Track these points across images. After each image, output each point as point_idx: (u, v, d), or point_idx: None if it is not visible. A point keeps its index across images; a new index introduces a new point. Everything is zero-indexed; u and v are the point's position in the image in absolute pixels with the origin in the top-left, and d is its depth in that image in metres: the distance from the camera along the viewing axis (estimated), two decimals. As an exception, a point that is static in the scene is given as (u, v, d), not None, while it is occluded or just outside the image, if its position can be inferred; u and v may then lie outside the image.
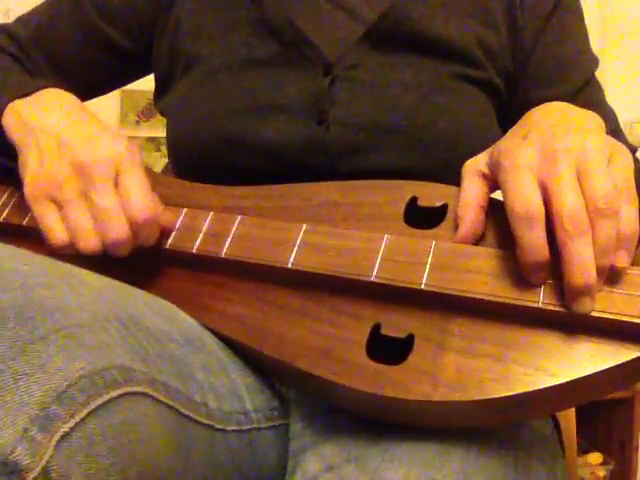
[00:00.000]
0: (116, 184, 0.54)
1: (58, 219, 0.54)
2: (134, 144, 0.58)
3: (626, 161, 0.48)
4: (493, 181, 0.52)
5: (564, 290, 0.46)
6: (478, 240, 0.52)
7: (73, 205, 0.54)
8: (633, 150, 0.74)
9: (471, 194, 0.52)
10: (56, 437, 0.37)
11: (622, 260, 0.46)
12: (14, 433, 0.35)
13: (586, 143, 0.47)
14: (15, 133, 0.59)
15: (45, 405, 0.37)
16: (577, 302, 0.46)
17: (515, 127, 0.54)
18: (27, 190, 0.55)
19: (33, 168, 0.56)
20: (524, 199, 0.46)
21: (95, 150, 0.55)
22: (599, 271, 0.45)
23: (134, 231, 0.54)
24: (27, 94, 0.62)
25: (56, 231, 0.54)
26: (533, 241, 0.45)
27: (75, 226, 0.53)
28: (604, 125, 0.55)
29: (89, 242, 0.53)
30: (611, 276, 0.46)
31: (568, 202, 0.44)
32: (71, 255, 0.54)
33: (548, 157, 0.47)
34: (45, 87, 0.63)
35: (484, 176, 0.52)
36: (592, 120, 0.53)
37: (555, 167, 0.46)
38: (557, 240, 0.45)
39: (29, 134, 0.58)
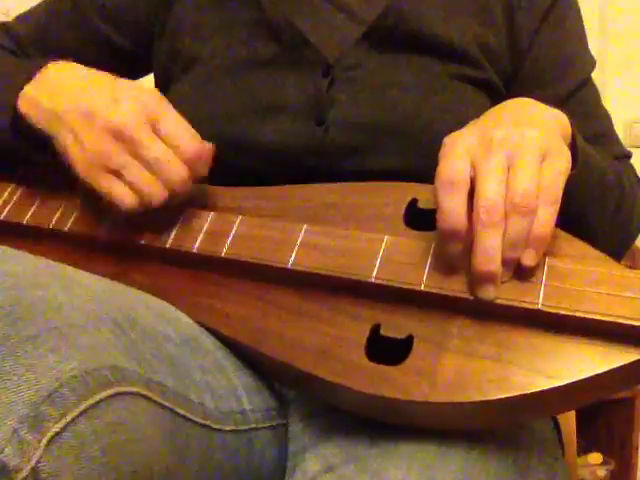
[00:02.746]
0: (156, 131, 0.55)
1: (121, 185, 0.55)
2: (154, 89, 0.59)
3: (560, 163, 0.48)
4: None
5: (471, 273, 0.48)
6: None
7: (128, 167, 0.55)
8: (628, 155, 0.74)
9: None
10: (46, 437, 0.37)
11: (528, 258, 0.47)
12: (3, 434, 0.35)
13: (524, 137, 0.48)
14: (39, 122, 0.59)
15: (35, 405, 0.37)
16: (479, 288, 0.48)
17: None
18: (80, 172, 0.56)
19: (75, 149, 0.56)
20: (450, 167, 0.48)
21: (122, 109, 0.55)
22: (506, 263, 0.47)
23: (191, 166, 0.56)
24: (30, 78, 0.61)
25: (126, 196, 0.55)
26: (451, 206, 0.47)
27: (139, 185, 0.55)
28: (568, 126, 0.55)
29: (159, 193, 0.55)
30: (610, 279, 0.46)
31: (487, 192, 0.46)
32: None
33: (484, 144, 0.48)
34: (43, 65, 0.62)
35: None
36: (551, 118, 0.53)
37: (487, 155, 0.47)
38: (473, 227, 0.46)
39: (53, 119, 0.58)
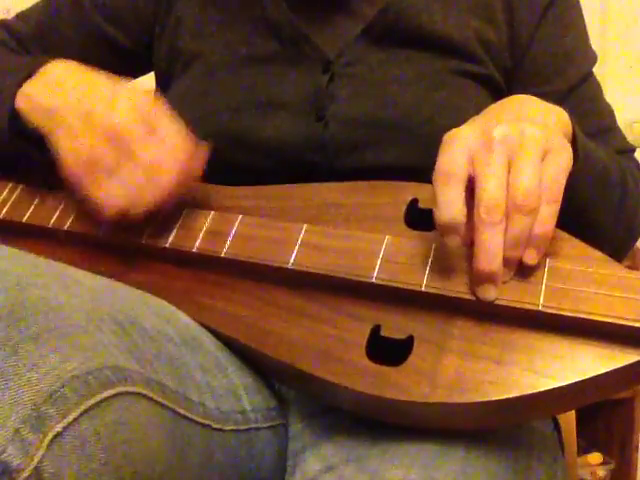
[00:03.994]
0: (150, 132, 0.55)
1: (109, 188, 0.54)
2: (151, 91, 0.59)
3: (561, 160, 0.48)
4: None
5: (472, 274, 0.47)
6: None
7: (120, 168, 0.54)
8: (632, 150, 0.74)
9: None
10: (48, 437, 0.37)
11: (529, 257, 0.47)
12: (5, 433, 0.35)
13: (524, 134, 0.47)
14: (36, 119, 0.59)
15: (37, 405, 0.37)
16: (480, 288, 0.47)
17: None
18: (70, 171, 0.55)
19: (67, 148, 0.56)
20: (449, 160, 0.47)
21: (117, 111, 0.55)
22: (507, 262, 0.46)
23: (185, 168, 0.55)
24: (30, 75, 0.61)
25: (111, 200, 0.54)
26: (448, 198, 0.46)
27: (129, 188, 0.54)
28: (568, 123, 0.55)
29: (149, 195, 0.54)
30: (611, 280, 0.46)
31: (488, 191, 0.45)
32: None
33: (484, 142, 0.47)
34: (44, 63, 0.62)
35: None
36: (552, 115, 0.53)
37: (488, 153, 0.47)
38: (473, 226, 0.46)
39: (50, 116, 0.58)
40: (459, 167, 0.47)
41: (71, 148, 0.56)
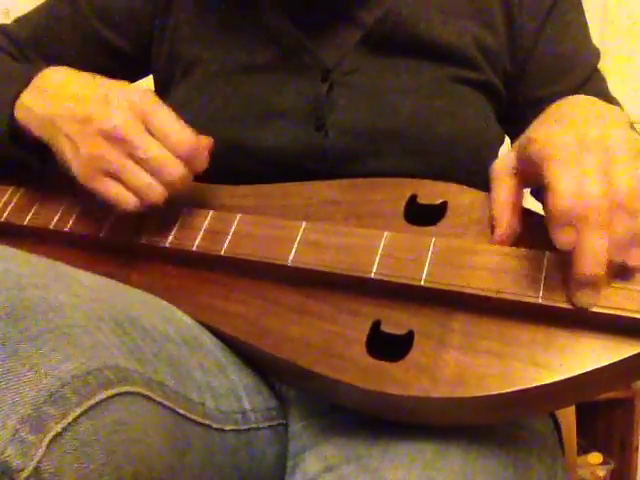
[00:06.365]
0: (149, 130, 0.55)
1: (120, 187, 0.55)
2: (143, 86, 0.59)
3: None
4: (525, 174, 0.51)
5: (570, 280, 0.45)
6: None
7: (125, 169, 0.55)
8: None
9: (505, 194, 0.52)
10: (48, 437, 0.37)
11: (635, 258, 0.45)
12: (5, 433, 0.35)
13: (617, 135, 0.46)
14: (36, 129, 0.60)
15: (37, 405, 0.37)
16: (580, 294, 0.45)
17: (543, 117, 0.53)
18: (79, 176, 0.57)
19: (72, 155, 0.57)
20: (556, 146, 0.45)
21: (114, 112, 0.55)
22: (609, 266, 0.44)
23: (187, 162, 0.56)
24: (27, 84, 0.61)
25: (124, 197, 0.55)
26: (567, 183, 0.44)
27: (137, 186, 0.55)
28: (629, 120, 0.54)
29: (158, 192, 0.55)
30: (612, 271, 0.46)
31: (591, 192, 0.44)
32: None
33: (580, 143, 0.46)
34: (38, 71, 0.62)
35: (515, 173, 0.52)
36: (620, 114, 0.52)
37: (587, 155, 0.45)
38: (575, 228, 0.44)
39: (49, 125, 0.58)
40: (570, 154, 0.45)
41: (74, 154, 0.56)
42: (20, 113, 0.61)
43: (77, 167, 0.56)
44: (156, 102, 0.57)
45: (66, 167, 0.58)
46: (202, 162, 0.58)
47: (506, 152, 0.54)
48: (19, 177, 0.68)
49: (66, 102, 0.58)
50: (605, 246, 0.44)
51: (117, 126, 0.55)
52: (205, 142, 0.58)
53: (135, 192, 0.55)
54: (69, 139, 0.57)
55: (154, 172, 0.55)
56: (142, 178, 0.55)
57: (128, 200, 0.55)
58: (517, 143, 0.52)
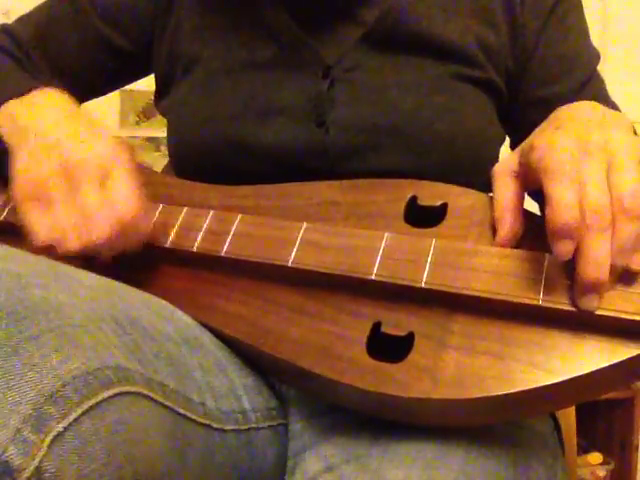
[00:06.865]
0: (103, 184, 0.54)
1: (42, 219, 0.53)
2: (127, 145, 0.57)
3: None
4: (526, 179, 0.51)
5: (574, 283, 0.46)
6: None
7: (57, 205, 0.53)
8: None
9: (507, 196, 0.52)
10: (49, 437, 0.37)
11: (637, 262, 0.45)
12: (6, 433, 0.35)
13: (619, 140, 0.46)
14: (7, 134, 0.59)
15: (38, 405, 0.37)
16: (584, 298, 0.45)
17: (545, 124, 0.53)
18: (15, 190, 0.55)
19: (21, 168, 0.55)
20: (558, 160, 0.45)
21: (83, 150, 0.54)
22: (612, 270, 0.45)
23: (120, 230, 0.53)
24: (22, 94, 0.62)
25: (39, 231, 0.53)
26: (565, 198, 0.44)
27: (58, 226, 0.53)
28: (631, 124, 0.54)
29: (69, 242, 0.52)
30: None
31: (594, 196, 0.44)
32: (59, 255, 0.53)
33: (582, 148, 0.46)
34: (39, 87, 0.62)
35: (516, 176, 0.52)
36: (622, 119, 0.52)
37: (588, 159, 0.46)
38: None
39: (20, 135, 0.58)
40: (570, 166, 0.45)
41: (26, 169, 0.55)
42: (2, 119, 0.61)
43: (21, 180, 0.55)
44: (125, 162, 0.55)
45: (10, 179, 0.56)
46: (137, 238, 0.56)
47: (509, 154, 0.54)
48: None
49: (48, 120, 0.58)
50: (608, 251, 0.44)
51: (75, 161, 0.53)
52: (148, 223, 0.57)
53: (55, 229, 0.53)
54: (28, 152, 0.56)
55: (78, 223, 0.53)
56: (69, 219, 0.53)
57: (42, 233, 0.53)
58: (520, 147, 0.52)
